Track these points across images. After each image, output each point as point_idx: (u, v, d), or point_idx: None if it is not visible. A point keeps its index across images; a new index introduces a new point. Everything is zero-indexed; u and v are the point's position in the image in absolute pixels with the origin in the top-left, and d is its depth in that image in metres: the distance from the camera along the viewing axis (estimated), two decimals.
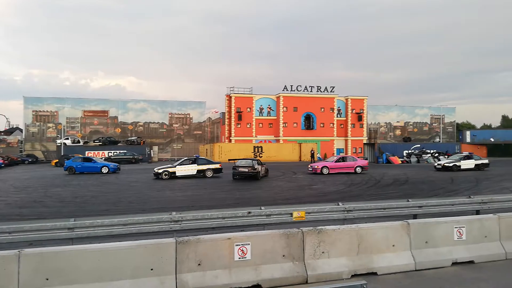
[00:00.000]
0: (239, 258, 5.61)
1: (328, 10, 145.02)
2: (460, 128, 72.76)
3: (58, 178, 25.00)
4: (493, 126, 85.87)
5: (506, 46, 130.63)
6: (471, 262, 6.91)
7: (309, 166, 29.20)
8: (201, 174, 25.05)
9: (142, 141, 52.82)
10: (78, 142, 49.70)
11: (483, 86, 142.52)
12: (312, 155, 44.94)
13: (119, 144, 51.77)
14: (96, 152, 45.47)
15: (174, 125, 63.07)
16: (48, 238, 7.11)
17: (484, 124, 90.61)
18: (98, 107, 59.94)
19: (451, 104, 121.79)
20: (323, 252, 6.07)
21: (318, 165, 28.13)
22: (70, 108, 58.64)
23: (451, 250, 6.83)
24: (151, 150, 50.66)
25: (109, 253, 5.22)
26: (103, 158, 38.38)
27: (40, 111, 57.70)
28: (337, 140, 60.61)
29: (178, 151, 59.31)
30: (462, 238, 6.95)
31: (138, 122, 61.52)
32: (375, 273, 6.26)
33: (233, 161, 25.44)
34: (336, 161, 28.48)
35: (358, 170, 27.88)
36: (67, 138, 48.94)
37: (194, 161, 25.52)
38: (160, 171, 24.37)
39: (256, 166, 23.38)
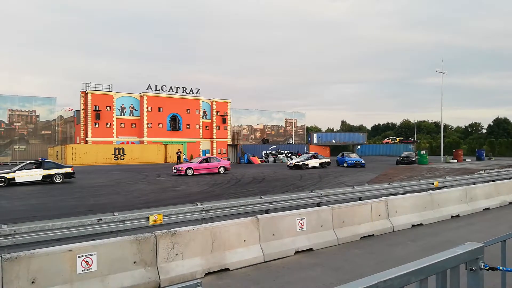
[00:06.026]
0: (83, 270, 5.13)
1: (185, 15, 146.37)
2: (309, 131, 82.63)
3: None
4: (334, 130, 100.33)
5: (337, 62, 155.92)
6: (311, 249, 7.79)
7: (173, 167, 28.88)
8: (48, 179, 22.12)
9: None
10: None
11: (325, 95, 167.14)
12: (179, 157, 44.47)
13: None
14: None
15: (15, 124, 53.99)
16: None
17: (328, 128, 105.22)
18: None
19: (301, 110, 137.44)
20: (177, 254, 6.03)
21: (182, 167, 28.06)
22: None
23: (294, 240, 7.60)
24: None
25: None
26: None
27: None
28: (203, 142, 61.51)
29: (22, 153, 51.06)
30: (303, 228, 7.81)
31: None
32: (228, 269, 6.52)
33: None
34: (200, 162, 28.91)
35: (222, 170, 28.95)
36: None
37: (40, 165, 22.37)
38: None
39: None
